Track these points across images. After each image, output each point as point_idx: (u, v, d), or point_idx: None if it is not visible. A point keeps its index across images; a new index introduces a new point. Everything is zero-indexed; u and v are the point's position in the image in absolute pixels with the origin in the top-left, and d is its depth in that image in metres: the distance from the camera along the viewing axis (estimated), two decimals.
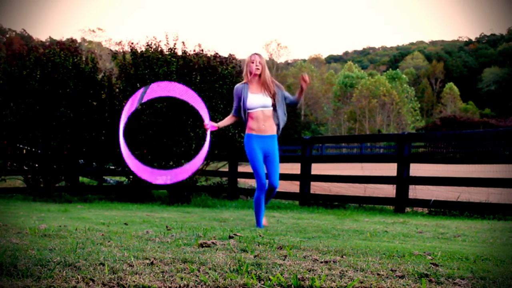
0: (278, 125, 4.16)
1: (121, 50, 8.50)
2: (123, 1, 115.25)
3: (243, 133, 7.79)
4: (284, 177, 8.41)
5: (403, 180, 6.66)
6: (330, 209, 6.85)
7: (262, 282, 1.81)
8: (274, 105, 4.11)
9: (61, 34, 79.25)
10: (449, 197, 7.10)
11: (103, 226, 3.76)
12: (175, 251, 2.45)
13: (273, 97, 4.11)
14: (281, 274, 1.91)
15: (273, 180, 4.15)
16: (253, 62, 4.09)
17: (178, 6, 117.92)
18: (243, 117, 4.16)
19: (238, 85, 4.20)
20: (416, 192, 7.02)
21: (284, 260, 2.24)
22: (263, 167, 4.14)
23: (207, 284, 1.77)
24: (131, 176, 8.65)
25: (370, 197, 7.26)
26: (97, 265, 1.97)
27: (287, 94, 4.25)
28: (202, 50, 7.99)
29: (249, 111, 4.10)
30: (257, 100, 4.07)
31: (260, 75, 4.12)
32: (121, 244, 2.63)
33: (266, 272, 1.95)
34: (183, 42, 8.01)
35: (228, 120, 4.33)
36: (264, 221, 4.29)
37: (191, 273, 1.91)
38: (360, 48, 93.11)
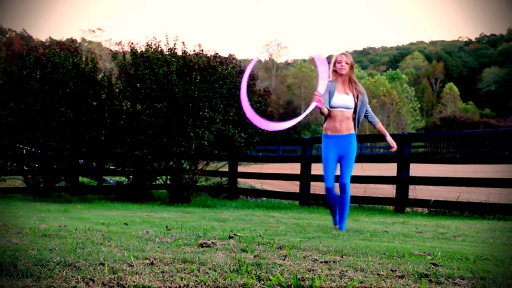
0: (354, 126, 4.14)
1: (121, 50, 8.47)
2: (123, 1, 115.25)
3: (243, 133, 7.79)
4: (284, 177, 8.42)
5: (403, 180, 6.66)
6: None
7: (262, 282, 1.81)
8: (355, 108, 4.09)
9: (61, 34, 79.15)
10: (449, 197, 7.10)
11: (103, 226, 3.75)
12: (175, 251, 2.45)
13: (356, 97, 4.09)
14: (281, 274, 1.91)
15: (344, 178, 4.10)
16: (339, 62, 4.05)
17: (178, 6, 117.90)
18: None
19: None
20: (416, 192, 7.01)
21: (284, 260, 2.24)
22: (332, 170, 4.09)
23: (207, 284, 1.77)
24: (131, 176, 8.66)
25: (370, 197, 7.26)
26: (97, 265, 1.97)
27: (368, 106, 4.19)
28: (202, 50, 7.99)
29: (331, 109, 4.06)
30: (340, 100, 4.04)
31: (349, 78, 4.09)
32: (121, 244, 2.63)
33: (266, 272, 1.95)
34: (183, 42, 8.00)
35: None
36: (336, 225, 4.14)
37: (191, 273, 1.91)
38: (360, 48, 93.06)
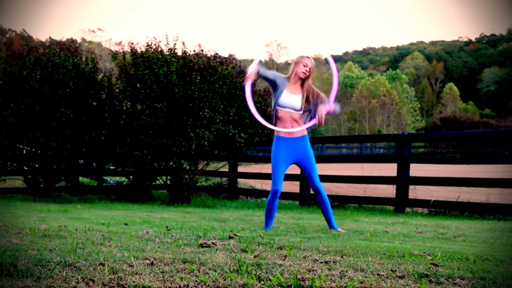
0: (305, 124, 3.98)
1: (121, 50, 8.47)
2: (123, 1, 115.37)
3: (243, 133, 7.79)
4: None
5: (403, 180, 6.66)
6: None
7: (262, 282, 1.81)
8: (304, 109, 3.97)
9: (61, 34, 79.39)
10: (449, 197, 7.10)
11: (103, 226, 3.75)
12: (175, 251, 2.44)
13: (306, 101, 3.96)
14: (281, 274, 1.91)
15: (315, 183, 4.01)
16: (305, 66, 3.91)
17: (178, 6, 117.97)
18: (272, 114, 4.00)
19: (281, 75, 4.01)
20: (416, 192, 7.01)
21: (284, 260, 2.24)
22: (282, 173, 4.00)
23: (207, 284, 1.77)
24: (131, 176, 8.66)
25: (370, 197, 7.26)
26: (97, 265, 1.97)
27: (321, 97, 4.01)
28: (202, 50, 7.98)
29: (278, 107, 3.93)
30: (288, 99, 3.90)
31: (304, 80, 3.97)
32: (121, 244, 2.63)
33: (266, 272, 1.95)
34: (183, 42, 8.00)
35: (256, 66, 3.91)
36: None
37: (191, 273, 1.91)
38: (360, 48, 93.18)
